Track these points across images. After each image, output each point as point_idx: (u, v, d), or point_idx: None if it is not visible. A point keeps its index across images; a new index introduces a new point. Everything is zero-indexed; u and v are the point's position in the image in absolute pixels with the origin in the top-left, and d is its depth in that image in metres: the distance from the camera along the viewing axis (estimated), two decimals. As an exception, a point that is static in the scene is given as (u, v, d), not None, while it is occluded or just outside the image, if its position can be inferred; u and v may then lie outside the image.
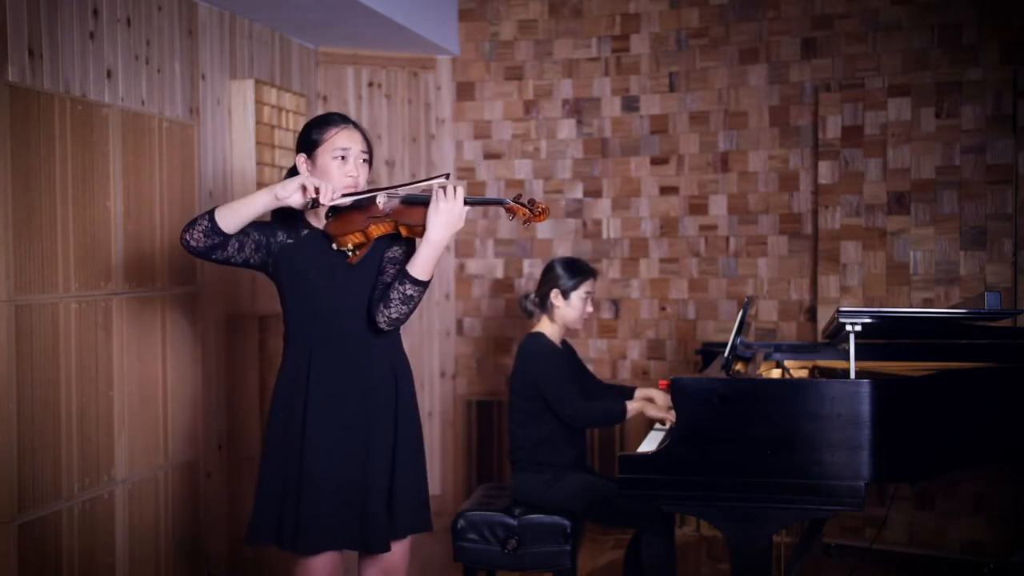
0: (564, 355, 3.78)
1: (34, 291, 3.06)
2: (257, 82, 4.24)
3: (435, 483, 5.35)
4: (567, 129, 5.26)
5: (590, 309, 3.78)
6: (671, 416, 3.49)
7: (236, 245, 2.67)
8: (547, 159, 5.29)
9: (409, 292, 2.65)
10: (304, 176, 2.66)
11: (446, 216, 2.62)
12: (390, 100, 5.22)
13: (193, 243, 2.63)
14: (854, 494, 2.71)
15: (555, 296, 3.75)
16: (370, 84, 5.17)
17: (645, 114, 5.13)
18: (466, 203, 2.66)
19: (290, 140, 4.46)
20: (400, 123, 5.25)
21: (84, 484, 3.26)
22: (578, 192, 5.25)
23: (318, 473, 2.66)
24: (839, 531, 4.65)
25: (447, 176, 2.74)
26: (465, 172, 5.39)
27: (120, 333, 3.42)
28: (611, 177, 5.19)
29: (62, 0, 3.27)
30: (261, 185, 4.21)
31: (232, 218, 2.62)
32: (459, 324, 5.42)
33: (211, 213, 2.62)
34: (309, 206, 2.63)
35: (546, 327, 3.78)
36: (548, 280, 3.77)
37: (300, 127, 4.48)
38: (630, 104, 5.15)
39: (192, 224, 2.63)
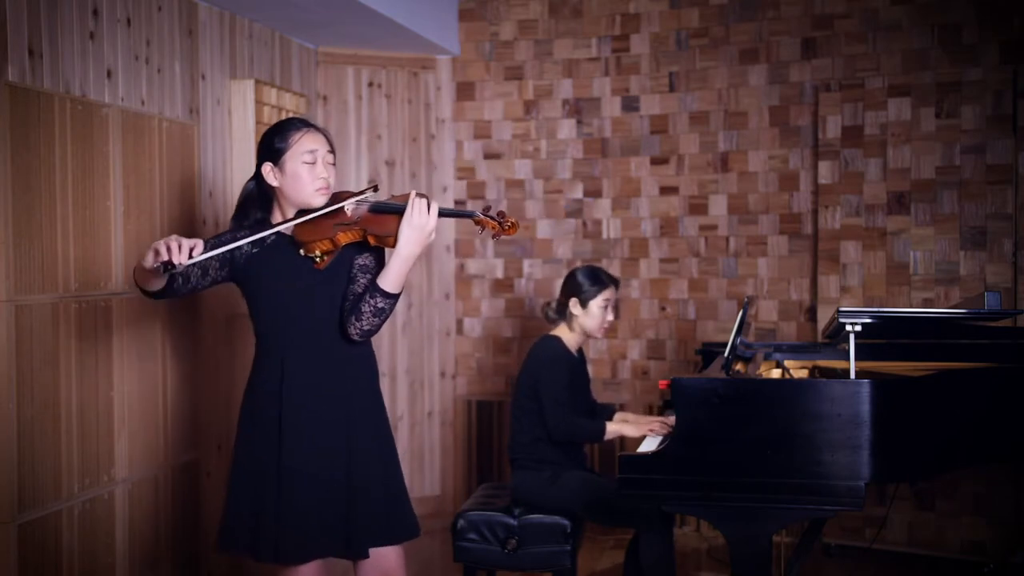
0: (574, 364, 3.80)
1: (34, 291, 3.05)
2: (257, 82, 4.23)
3: (435, 483, 5.35)
4: (567, 129, 5.26)
5: (611, 317, 3.79)
6: (653, 427, 3.52)
7: (198, 273, 2.67)
8: (547, 159, 5.29)
9: (380, 305, 2.61)
10: (159, 240, 2.46)
11: (419, 232, 2.58)
12: (390, 100, 5.22)
13: (149, 297, 2.68)
14: (854, 494, 2.71)
15: (574, 305, 3.76)
16: (370, 84, 5.17)
17: (645, 114, 5.13)
18: (439, 215, 2.62)
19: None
20: (400, 123, 5.25)
21: (84, 484, 3.25)
22: (578, 192, 5.25)
23: (298, 483, 2.60)
24: (839, 531, 4.65)
25: (375, 189, 2.70)
26: (465, 172, 5.38)
27: (120, 333, 3.42)
28: (611, 177, 5.19)
29: (62, 0, 3.26)
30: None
31: (144, 283, 2.62)
32: (459, 324, 5.42)
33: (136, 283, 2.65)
34: (161, 271, 2.43)
35: (564, 333, 3.80)
36: (568, 289, 3.79)
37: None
38: (630, 104, 5.15)
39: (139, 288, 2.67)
